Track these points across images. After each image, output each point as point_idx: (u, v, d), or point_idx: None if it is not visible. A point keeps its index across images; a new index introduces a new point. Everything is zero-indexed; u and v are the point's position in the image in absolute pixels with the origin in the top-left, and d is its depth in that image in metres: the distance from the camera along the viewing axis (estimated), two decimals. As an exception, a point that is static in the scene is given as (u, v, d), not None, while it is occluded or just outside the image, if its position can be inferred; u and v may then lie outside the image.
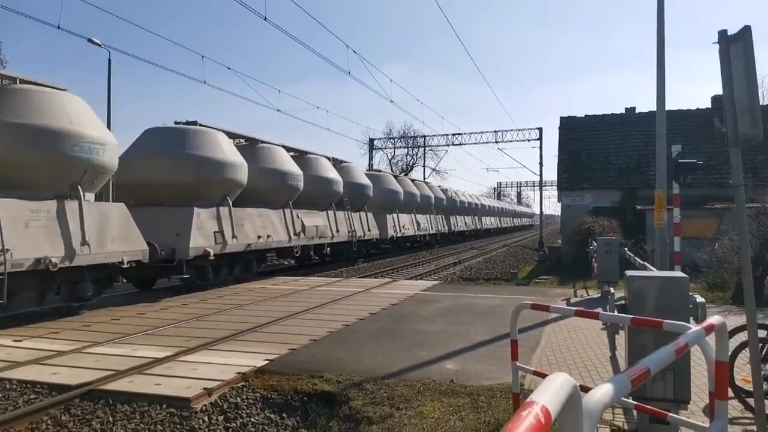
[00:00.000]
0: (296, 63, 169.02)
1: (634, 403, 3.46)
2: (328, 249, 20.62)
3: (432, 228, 34.20)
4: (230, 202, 14.54)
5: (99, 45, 20.35)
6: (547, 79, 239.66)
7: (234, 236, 14.35)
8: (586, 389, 2.26)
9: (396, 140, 53.36)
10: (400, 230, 28.37)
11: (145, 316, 9.98)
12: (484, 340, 7.75)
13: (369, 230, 24.29)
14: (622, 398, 3.42)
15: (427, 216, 33.45)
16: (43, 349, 7.39)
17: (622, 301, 4.39)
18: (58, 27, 14.01)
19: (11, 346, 7.57)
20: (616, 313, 4.09)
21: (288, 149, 18.76)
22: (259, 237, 15.63)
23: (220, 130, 14.94)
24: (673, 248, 10.25)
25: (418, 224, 31.58)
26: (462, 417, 4.84)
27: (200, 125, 14.45)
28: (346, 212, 22.12)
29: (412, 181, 33.36)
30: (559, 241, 29.60)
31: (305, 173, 18.63)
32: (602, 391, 1.52)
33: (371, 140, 47.65)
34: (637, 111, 25.82)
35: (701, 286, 12.19)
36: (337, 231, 21.03)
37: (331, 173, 21.10)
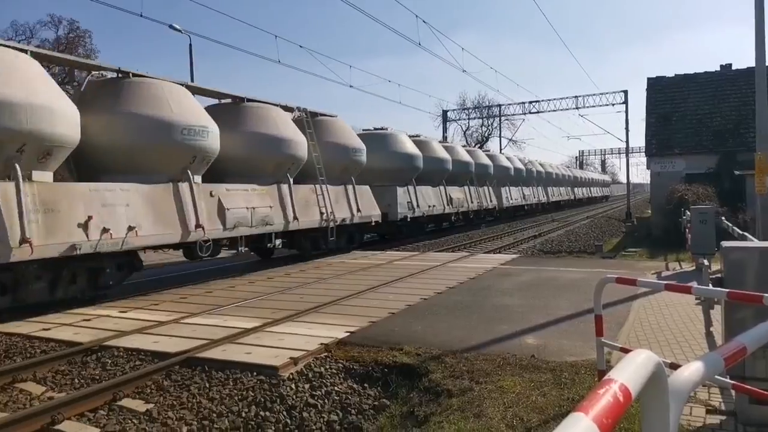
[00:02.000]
0: (367, 38, 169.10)
1: (731, 382, 3.26)
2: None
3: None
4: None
5: (180, 31, 21.24)
6: (631, 37, 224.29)
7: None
8: (677, 367, 2.16)
9: (470, 111, 52.37)
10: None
11: (234, 289, 10.56)
12: (567, 315, 7.55)
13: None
14: (718, 377, 3.23)
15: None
16: (145, 319, 8.04)
17: (719, 275, 4.11)
18: (141, 15, 14.67)
19: (118, 317, 8.29)
20: (710, 287, 3.84)
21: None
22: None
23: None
24: (778, 217, 9.41)
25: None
26: (544, 393, 4.78)
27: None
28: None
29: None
30: (649, 211, 28.02)
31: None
32: (691, 369, 1.44)
33: (444, 112, 47.01)
34: (733, 68, 23.66)
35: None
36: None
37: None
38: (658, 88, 24.34)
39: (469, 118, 53.56)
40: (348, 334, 6.86)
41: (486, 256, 15.52)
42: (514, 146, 59.00)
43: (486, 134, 58.96)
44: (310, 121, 15.54)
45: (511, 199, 34.50)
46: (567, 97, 40.33)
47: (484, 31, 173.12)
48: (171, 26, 20.99)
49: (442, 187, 24.51)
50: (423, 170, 22.49)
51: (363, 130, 21.32)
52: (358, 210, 16.72)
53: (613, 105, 38.22)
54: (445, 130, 46.11)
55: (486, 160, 31.38)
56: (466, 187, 27.40)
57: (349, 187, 16.82)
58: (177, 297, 9.84)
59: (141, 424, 4.86)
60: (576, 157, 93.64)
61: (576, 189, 56.80)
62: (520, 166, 37.77)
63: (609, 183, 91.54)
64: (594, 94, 39.21)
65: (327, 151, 15.83)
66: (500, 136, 54.57)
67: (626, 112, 37.03)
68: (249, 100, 14.03)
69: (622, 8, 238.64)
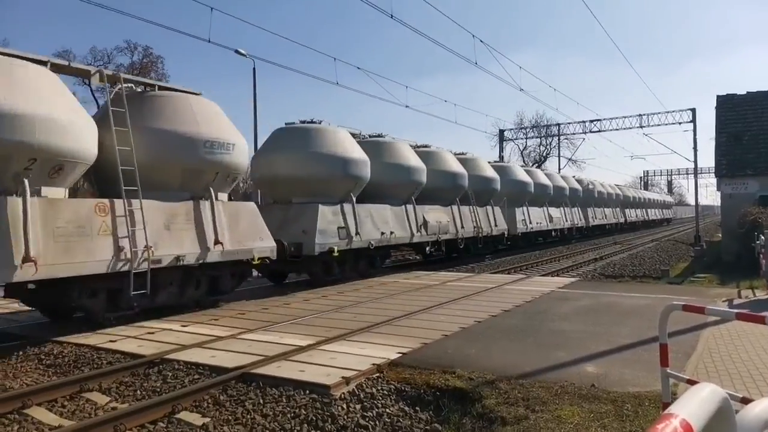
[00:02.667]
0: (423, 58, 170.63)
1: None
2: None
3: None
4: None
5: (245, 55, 22.12)
6: (699, 54, 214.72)
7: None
8: (750, 401, 2.02)
9: (528, 130, 51.58)
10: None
11: (290, 306, 10.73)
12: (630, 343, 7.21)
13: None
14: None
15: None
16: (204, 334, 8.28)
17: (797, 304, 3.83)
18: (209, 41, 15.47)
19: (179, 331, 8.58)
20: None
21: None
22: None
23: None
24: None
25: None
26: (604, 424, 4.57)
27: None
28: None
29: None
30: (719, 235, 26.56)
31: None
32: (762, 406, 1.34)
33: (501, 131, 46.49)
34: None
35: None
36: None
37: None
38: (728, 106, 23.22)
39: (526, 138, 52.79)
40: (400, 355, 6.81)
41: (543, 279, 15.11)
42: (573, 166, 57.56)
43: (544, 154, 57.93)
44: (123, 96, 9.53)
45: (530, 222, 27.07)
46: (630, 116, 38.97)
47: (542, 49, 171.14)
48: (237, 51, 21.90)
49: (410, 206, 17.59)
50: (376, 182, 15.85)
51: (286, 123, 15.22)
52: (218, 242, 10.33)
53: (680, 124, 36.65)
54: (501, 149, 45.59)
55: (490, 173, 23.70)
56: (454, 207, 20.34)
57: (205, 204, 10.46)
58: (235, 313, 10.09)
59: (197, 437, 4.98)
60: (640, 177, 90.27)
61: (628, 211, 47.76)
62: (545, 181, 30.01)
63: (671, 204, 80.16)
64: (659, 113, 37.76)
65: (154, 145, 9.77)
66: (559, 156, 53.39)
67: (694, 131, 35.05)
68: None
69: (687, 21, 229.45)
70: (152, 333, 8.45)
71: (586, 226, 35.74)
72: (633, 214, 49.42)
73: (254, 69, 23.37)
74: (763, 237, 10.73)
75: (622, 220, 44.64)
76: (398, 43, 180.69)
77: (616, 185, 46.94)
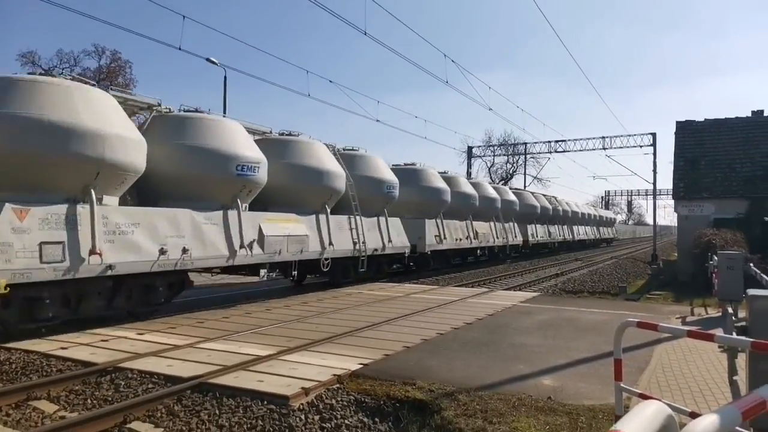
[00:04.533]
0: (395, 74, 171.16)
1: (755, 436, 3.12)
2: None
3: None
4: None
5: (216, 64, 21.88)
6: (659, 82, 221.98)
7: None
8: (697, 416, 2.07)
9: (495, 148, 52.41)
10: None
11: (251, 315, 10.57)
12: (586, 357, 7.35)
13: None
14: (740, 429, 3.09)
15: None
16: (161, 342, 8.07)
17: (743, 323, 3.98)
18: (179, 48, 15.27)
19: (134, 339, 8.34)
20: (734, 335, 3.71)
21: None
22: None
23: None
24: (811, 265, 9.11)
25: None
26: (559, 436, 4.63)
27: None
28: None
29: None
30: (676, 254, 27.43)
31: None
32: (705, 423, 1.39)
33: (470, 148, 47.17)
34: (765, 114, 23.41)
35: None
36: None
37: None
38: (687, 132, 24.13)
39: (494, 155, 53.59)
40: (361, 366, 6.77)
41: (505, 293, 15.29)
42: (538, 184, 58.61)
43: (511, 171, 58.96)
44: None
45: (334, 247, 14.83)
46: (594, 138, 40.12)
47: (511, 70, 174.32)
48: (208, 59, 21.62)
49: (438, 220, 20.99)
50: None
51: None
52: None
53: (641, 147, 37.89)
54: (469, 166, 46.21)
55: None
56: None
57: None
58: (194, 321, 9.87)
59: (149, 448, 4.82)
60: (602, 197, 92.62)
61: (532, 227, 32.83)
62: (384, 175, 17.76)
63: (613, 221, 66.99)
64: (621, 136, 38.98)
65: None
66: (525, 174, 54.35)
67: (654, 154, 36.38)
68: None
69: (652, 51, 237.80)
70: (106, 340, 8.19)
71: (414, 252, 19.53)
72: (543, 233, 34.91)
73: (225, 78, 23.14)
74: (716, 258, 11.13)
75: (518, 241, 30.62)
76: (371, 59, 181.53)
77: (512, 189, 34.31)
